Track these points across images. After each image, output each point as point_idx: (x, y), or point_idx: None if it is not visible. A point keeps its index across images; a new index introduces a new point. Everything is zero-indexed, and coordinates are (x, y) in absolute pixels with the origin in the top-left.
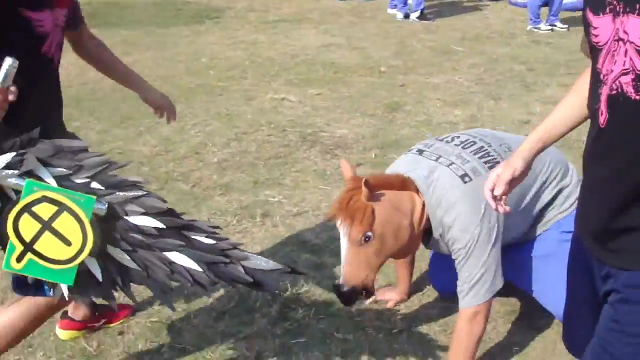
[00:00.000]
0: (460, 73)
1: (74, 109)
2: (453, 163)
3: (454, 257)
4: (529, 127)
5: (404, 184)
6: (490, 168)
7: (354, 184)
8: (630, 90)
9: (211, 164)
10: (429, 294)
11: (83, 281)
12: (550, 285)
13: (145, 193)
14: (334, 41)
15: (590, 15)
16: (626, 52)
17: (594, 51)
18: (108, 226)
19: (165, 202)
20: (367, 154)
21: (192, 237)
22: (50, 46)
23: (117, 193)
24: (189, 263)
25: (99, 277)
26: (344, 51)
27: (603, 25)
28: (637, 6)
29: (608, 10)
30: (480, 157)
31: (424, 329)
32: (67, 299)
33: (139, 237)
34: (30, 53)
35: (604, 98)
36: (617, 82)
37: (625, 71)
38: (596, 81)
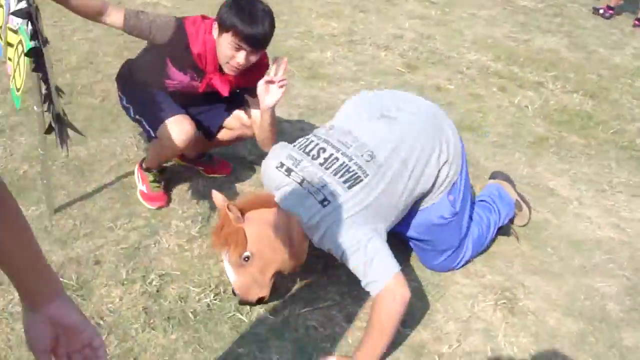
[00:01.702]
0: None
1: None
2: (314, 188)
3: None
4: (402, 41)
5: (270, 202)
6: (350, 187)
7: (224, 211)
8: None
9: (110, 74)
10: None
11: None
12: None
13: None
14: None
15: None
16: None
17: None
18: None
19: None
20: None
21: None
22: None
23: None
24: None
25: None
26: None
27: None
28: None
29: None
30: (341, 176)
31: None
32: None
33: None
34: None
35: None
36: None
37: None
38: None
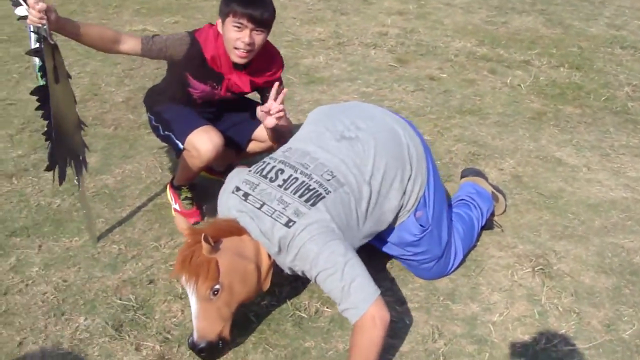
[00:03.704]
0: None
1: None
2: (275, 211)
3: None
4: (387, 37)
5: (239, 229)
6: (313, 204)
7: (193, 239)
8: None
9: (117, 103)
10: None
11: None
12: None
13: None
14: None
15: None
16: None
17: None
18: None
19: None
20: None
21: None
22: None
23: None
24: None
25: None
26: None
27: None
28: None
29: None
30: (301, 195)
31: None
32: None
33: None
34: None
35: None
36: None
37: None
38: None
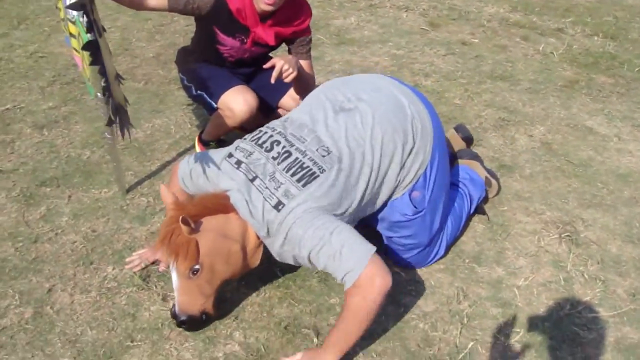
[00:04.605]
0: None
1: None
2: (267, 188)
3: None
4: (420, 1)
5: (226, 207)
6: (305, 185)
7: (176, 214)
8: None
9: (148, 58)
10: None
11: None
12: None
13: None
14: None
15: None
16: None
17: None
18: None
19: None
20: None
21: None
22: None
23: None
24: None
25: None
26: None
27: None
28: None
29: None
30: (293, 174)
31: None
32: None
33: None
34: None
35: None
36: None
37: None
38: None
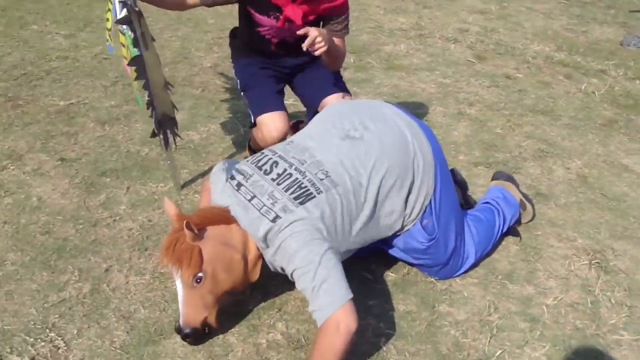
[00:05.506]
0: None
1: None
2: (264, 206)
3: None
4: (468, 34)
5: (228, 219)
6: (301, 203)
7: (179, 225)
8: None
9: (205, 68)
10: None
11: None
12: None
13: None
14: None
15: None
16: None
17: None
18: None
19: None
20: None
21: None
22: None
23: None
24: None
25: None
26: None
27: None
28: None
29: None
30: (292, 193)
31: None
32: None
33: None
34: None
35: None
36: None
37: None
38: None
